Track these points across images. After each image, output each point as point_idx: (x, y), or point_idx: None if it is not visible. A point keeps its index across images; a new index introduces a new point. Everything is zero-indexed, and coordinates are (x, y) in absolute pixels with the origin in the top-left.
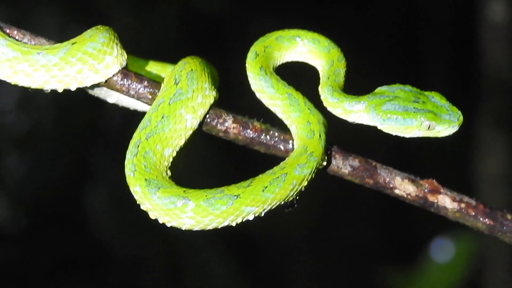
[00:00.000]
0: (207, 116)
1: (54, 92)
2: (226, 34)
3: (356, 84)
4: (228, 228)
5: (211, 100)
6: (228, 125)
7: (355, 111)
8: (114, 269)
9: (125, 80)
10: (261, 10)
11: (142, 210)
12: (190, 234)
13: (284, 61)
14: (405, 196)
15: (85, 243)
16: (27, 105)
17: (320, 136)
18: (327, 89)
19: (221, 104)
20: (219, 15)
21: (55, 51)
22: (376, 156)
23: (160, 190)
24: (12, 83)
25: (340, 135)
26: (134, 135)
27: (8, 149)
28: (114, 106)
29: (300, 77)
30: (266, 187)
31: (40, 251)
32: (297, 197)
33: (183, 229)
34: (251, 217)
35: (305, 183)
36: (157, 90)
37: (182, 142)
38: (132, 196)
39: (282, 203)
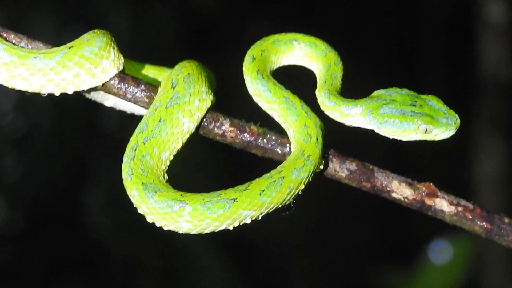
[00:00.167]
0: (204, 119)
1: (51, 95)
2: (223, 37)
3: (353, 88)
4: (225, 231)
5: (208, 104)
6: (225, 128)
7: (352, 114)
8: (111, 270)
9: (122, 84)
10: (257, 13)
11: (139, 214)
12: (186, 236)
13: (281, 64)
14: (402, 199)
15: (82, 244)
16: (24, 106)
17: (317, 139)
18: (324, 93)
19: (218, 107)
20: (216, 18)
21: (52, 55)
22: (373, 160)
23: (157, 194)
24: (10, 87)
25: (337, 138)
26: (131, 138)
27: (6, 150)
28: (109, 108)
29: (297, 81)
30: (263, 190)
31: (38, 252)
32: (294, 201)
33: (180, 233)
34: (248, 221)
35: (302, 186)
36: (154, 94)
37: (179, 146)
38: (129, 199)
39: (279, 206)
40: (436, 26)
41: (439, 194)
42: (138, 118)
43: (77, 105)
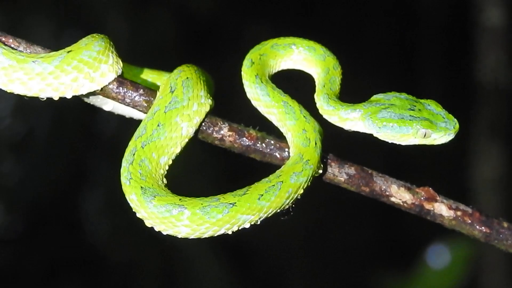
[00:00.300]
0: (203, 124)
1: (50, 99)
2: (221, 40)
3: (352, 92)
4: (224, 235)
5: (207, 108)
6: (223, 133)
7: (351, 119)
8: (109, 273)
9: (121, 88)
10: (256, 16)
11: (139, 219)
12: (184, 239)
13: (280, 69)
14: (401, 204)
15: (80, 247)
16: (23, 110)
17: (316, 144)
18: (323, 97)
19: (217, 112)
20: (214, 21)
21: (50, 59)
22: (372, 164)
23: (156, 198)
24: (8, 91)
25: (336, 143)
26: (130, 143)
27: (4, 154)
28: (108, 112)
29: (296, 85)
30: (262, 195)
31: (36, 254)
32: (293, 205)
33: (179, 237)
34: (247, 225)
35: (301, 191)
36: (152, 98)
37: (178, 150)
38: (128, 203)
39: (278, 211)
40: (435, 30)
41: (438, 198)
42: (137, 122)
43: (75, 109)
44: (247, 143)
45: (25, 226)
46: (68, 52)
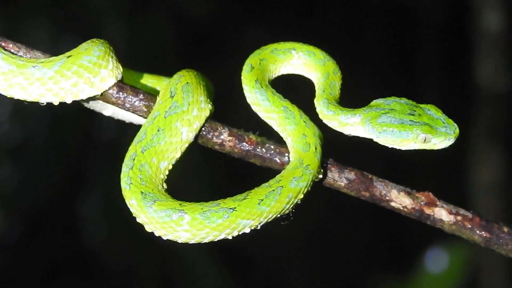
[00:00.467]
0: (203, 129)
1: (49, 104)
2: (220, 44)
3: (352, 97)
4: (224, 240)
5: (207, 113)
6: (223, 138)
7: (351, 123)
8: (107, 277)
9: (121, 93)
10: (254, 19)
11: (138, 223)
12: (184, 244)
13: (280, 73)
14: (401, 208)
15: (78, 251)
16: (20, 116)
17: (316, 149)
18: (323, 102)
19: (217, 116)
20: (213, 25)
21: (50, 64)
22: (372, 169)
23: (156, 203)
24: (8, 96)
25: (336, 147)
26: (130, 148)
27: (2, 159)
28: (107, 117)
29: (295, 90)
30: (262, 200)
31: (34, 259)
32: (293, 210)
33: (179, 242)
34: (247, 230)
35: (301, 196)
36: (152, 103)
37: (178, 155)
38: (126, 206)
39: (278, 216)
40: (434, 34)
41: (438, 203)
42: (137, 127)
43: (73, 113)
44: (247, 148)
45: (23, 230)
46: (68, 57)
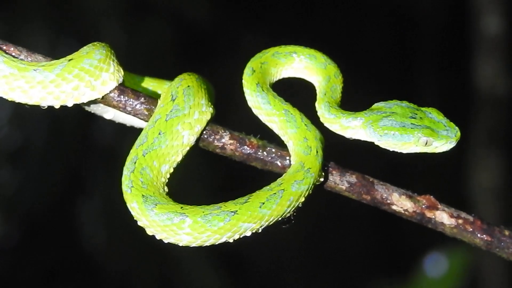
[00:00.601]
0: (204, 132)
1: (50, 108)
2: (219, 47)
3: (353, 100)
4: (225, 244)
5: (208, 116)
6: (225, 141)
7: (352, 127)
8: (105, 282)
9: (122, 96)
10: (253, 22)
11: (139, 226)
12: (181, 248)
13: (281, 77)
14: (403, 212)
15: (77, 256)
16: (19, 120)
17: (317, 152)
18: (324, 105)
19: (218, 120)
20: (211, 28)
21: (51, 67)
22: (373, 172)
23: (157, 207)
24: (9, 100)
25: (337, 151)
26: (131, 151)
27: (1, 162)
28: (106, 121)
29: (297, 94)
30: (263, 203)
31: (33, 263)
32: (294, 213)
33: (181, 245)
34: (248, 234)
35: (302, 199)
36: (153, 107)
37: (179, 159)
38: (125, 209)
39: (280, 219)
40: (433, 40)
41: (439, 206)
42: (138, 130)
43: (72, 118)
44: (248, 151)
45: (22, 235)
46: (69, 60)
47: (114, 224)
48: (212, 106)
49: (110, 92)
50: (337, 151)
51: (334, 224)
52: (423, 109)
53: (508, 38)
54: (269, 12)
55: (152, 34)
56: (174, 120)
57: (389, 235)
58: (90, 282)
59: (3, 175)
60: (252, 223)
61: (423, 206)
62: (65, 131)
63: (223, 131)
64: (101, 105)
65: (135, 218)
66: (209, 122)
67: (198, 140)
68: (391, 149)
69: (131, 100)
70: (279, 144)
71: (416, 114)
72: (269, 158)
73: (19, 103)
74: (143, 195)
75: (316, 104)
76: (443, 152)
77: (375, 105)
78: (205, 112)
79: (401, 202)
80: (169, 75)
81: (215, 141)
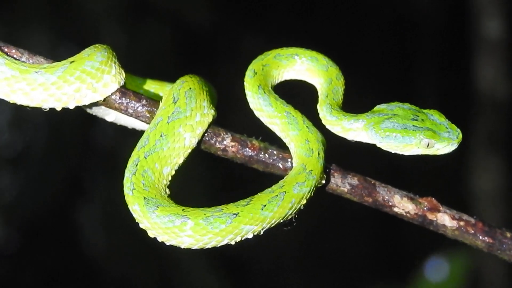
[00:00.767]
0: (206, 134)
1: (52, 110)
2: (220, 49)
3: (355, 102)
4: (226, 246)
5: (210, 119)
6: (226, 143)
7: (354, 129)
8: (106, 285)
9: (124, 98)
10: (253, 24)
11: (139, 228)
12: (181, 251)
13: (283, 79)
14: (404, 214)
15: (77, 260)
16: (19, 124)
17: (318, 154)
18: (326, 107)
19: (220, 122)
20: (211, 30)
21: (53, 70)
22: (375, 174)
23: (159, 209)
24: (11, 102)
25: (339, 153)
26: (133, 153)
27: (1, 168)
28: (108, 123)
29: (298, 96)
30: (265, 205)
31: (33, 268)
32: (296, 215)
33: (182, 247)
34: (250, 236)
35: (304, 201)
36: (155, 109)
37: (180, 161)
38: (126, 213)
39: (281, 221)
40: (433, 42)
41: (441, 208)
42: (139, 133)
43: (72, 122)
44: (249, 154)
45: (22, 240)
46: (71, 62)
47: (115, 227)
48: (213, 108)
49: (112, 94)
50: (339, 153)
51: (335, 226)
52: (425, 111)
53: (508, 39)
54: (269, 12)
55: (153, 36)
56: (176, 122)
57: (390, 237)
58: (90, 285)
59: (3, 180)
60: (254, 225)
61: (425, 208)
62: (66, 134)
63: (224, 133)
64: (103, 107)
65: (136, 221)
66: (210, 124)
67: (199, 142)
68: (392, 151)
69: (133, 102)
70: (281, 146)
71: (418, 116)
72: (271, 160)
73: (20, 106)
74: (144, 197)
75: (318, 106)
76: (445, 154)
77: (377, 107)
78: (206, 114)
79: (402, 204)
80: (169, 77)
81: (217, 143)
